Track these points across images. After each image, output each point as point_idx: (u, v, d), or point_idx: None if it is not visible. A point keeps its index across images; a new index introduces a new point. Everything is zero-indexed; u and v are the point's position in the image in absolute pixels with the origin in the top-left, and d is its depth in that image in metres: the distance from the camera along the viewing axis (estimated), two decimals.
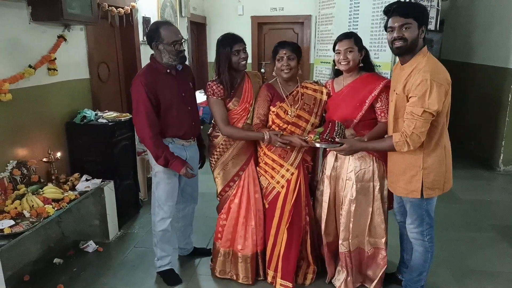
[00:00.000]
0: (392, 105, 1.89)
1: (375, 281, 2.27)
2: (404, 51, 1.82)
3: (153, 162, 2.26)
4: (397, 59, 3.93)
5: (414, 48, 1.81)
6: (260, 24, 6.24)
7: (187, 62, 2.36)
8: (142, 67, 2.60)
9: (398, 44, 1.80)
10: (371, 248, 2.25)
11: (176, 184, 2.34)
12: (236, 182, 2.30)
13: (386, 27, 1.87)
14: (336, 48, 2.10)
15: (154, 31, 2.15)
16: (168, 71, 2.20)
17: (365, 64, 2.14)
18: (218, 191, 2.37)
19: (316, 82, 2.31)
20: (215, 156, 2.31)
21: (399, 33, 1.79)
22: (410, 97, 1.79)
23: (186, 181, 2.37)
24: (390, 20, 1.83)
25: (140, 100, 2.11)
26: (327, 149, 2.21)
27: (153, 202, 2.36)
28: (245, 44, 2.20)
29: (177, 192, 2.37)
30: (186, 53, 2.25)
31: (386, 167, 2.12)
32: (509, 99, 4.31)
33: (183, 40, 2.18)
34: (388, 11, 1.85)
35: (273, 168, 2.24)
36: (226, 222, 2.35)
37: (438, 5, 4.09)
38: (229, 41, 2.16)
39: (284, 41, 2.20)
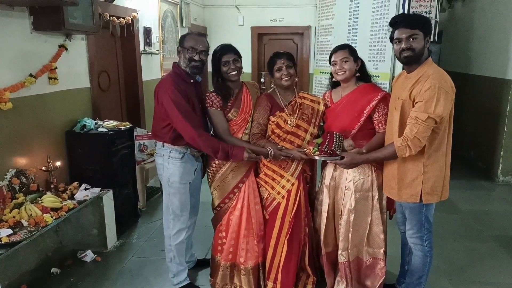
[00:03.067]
0: (397, 113, 1.92)
1: None
2: (412, 60, 1.88)
3: (166, 172, 2.22)
4: (396, 69, 3.94)
5: (420, 58, 1.87)
6: (260, 35, 6.30)
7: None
8: (163, 75, 2.53)
9: (406, 54, 1.86)
10: (370, 258, 2.24)
11: (189, 193, 2.30)
12: (236, 194, 2.28)
13: (391, 39, 1.93)
14: (332, 59, 2.15)
15: (183, 37, 2.20)
16: (192, 81, 2.21)
17: (361, 74, 2.17)
18: (216, 204, 2.34)
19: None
20: (214, 169, 2.28)
21: (407, 43, 1.84)
22: (416, 102, 1.83)
23: (191, 192, 2.33)
24: (396, 31, 1.89)
25: (177, 102, 2.06)
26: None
27: (166, 216, 2.32)
28: (236, 55, 2.19)
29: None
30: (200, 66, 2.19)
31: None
32: (508, 110, 4.33)
33: (202, 51, 2.15)
34: (395, 23, 1.90)
35: (273, 179, 2.24)
36: (227, 235, 2.32)
37: (436, 17, 4.14)
38: (219, 52, 2.18)
39: (278, 52, 2.23)
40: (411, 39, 1.84)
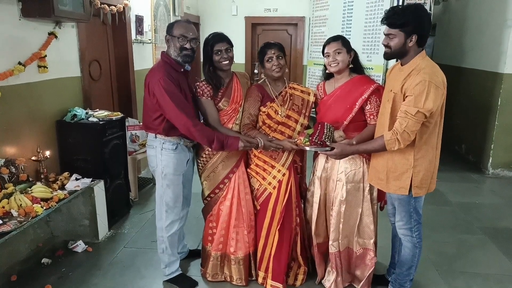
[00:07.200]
0: (389, 105, 1.92)
1: (363, 282, 2.28)
2: (389, 57, 1.96)
3: (159, 163, 2.19)
4: (390, 62, 3.94)
5: (402, 54, 1.90)
6: (254, 25, 6.24)
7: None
8: (153, 64, 2.44)
9: (385, 50, 1.93)
10: (360, 249, 2.26)
11: (182, 184, 2.28)
12: (227, 184, 2.28)
13: None
14: (325, 51, 2.15)
15: (170, 25, 2.14)
16: (182, 70, 2.17)
17: (355, 66, 2.17)
18: (206, 195, 2.34)
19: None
20: (204, 159, 2.28)
21: (385, 41, 1.91)
22: (406, 96, 1.84)
23: (183, 183, 2.31)
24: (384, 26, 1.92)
25: (170, 92, 2.01)
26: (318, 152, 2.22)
27: (159, 208, 2.30)
28: (229, 44, 2.18)
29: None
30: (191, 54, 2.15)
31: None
32: (499, 103, 4.37)
33: (192, 39, 2.11)
34: (382, 19, 1.92)
35: (264, 170, 2.24)
36: (217, 225, 2.33)
37: (430, 9, 4.14)
38: (211, 41, 2.16)
39: (269, 42, 2.22)
40: (389, 37, 1.88)
